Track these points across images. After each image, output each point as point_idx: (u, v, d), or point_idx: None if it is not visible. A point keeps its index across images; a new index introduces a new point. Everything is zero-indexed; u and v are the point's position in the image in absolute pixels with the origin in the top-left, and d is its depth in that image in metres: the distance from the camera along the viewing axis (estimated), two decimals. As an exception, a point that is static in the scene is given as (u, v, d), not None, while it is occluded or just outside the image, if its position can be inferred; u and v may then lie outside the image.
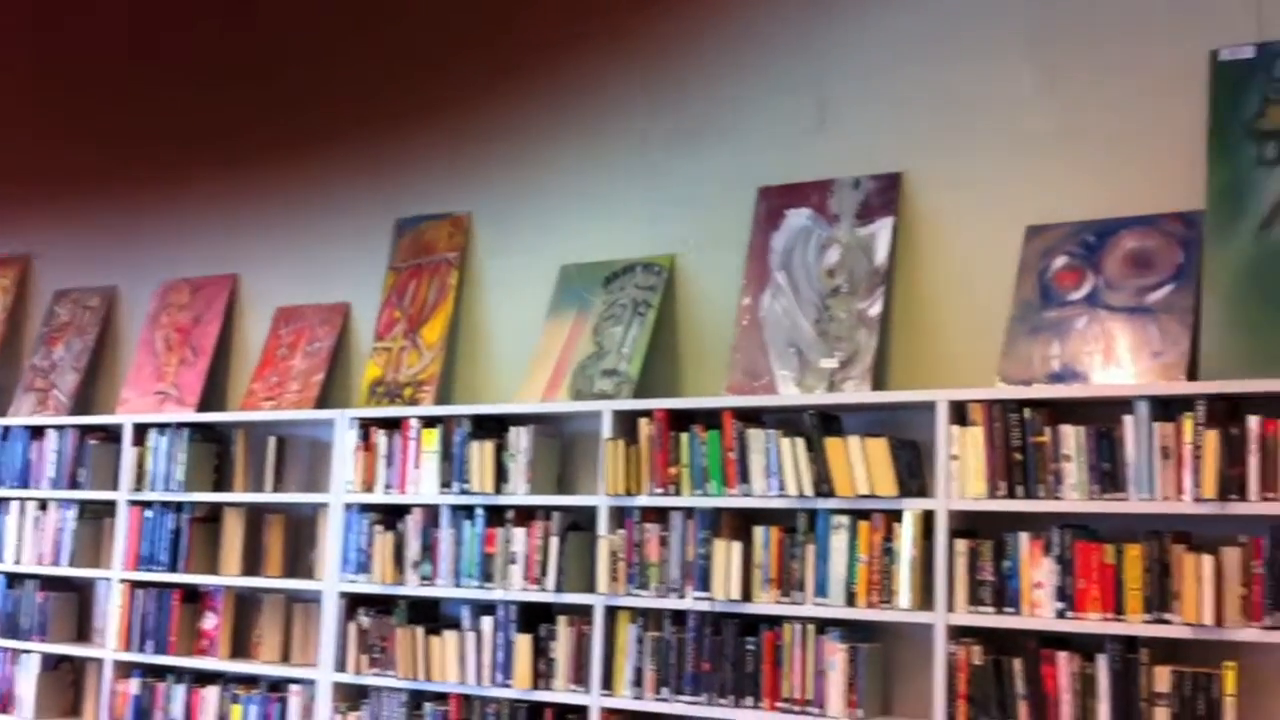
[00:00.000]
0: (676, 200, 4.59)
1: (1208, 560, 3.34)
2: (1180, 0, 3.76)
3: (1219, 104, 3.65)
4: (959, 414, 3.73)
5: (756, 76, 4.46)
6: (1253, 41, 3.64)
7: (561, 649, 4.29)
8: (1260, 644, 3.32)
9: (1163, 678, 3.37)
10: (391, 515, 4.71)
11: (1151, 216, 3.73)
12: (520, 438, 4.48)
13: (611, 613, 4.22)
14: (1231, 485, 3.34)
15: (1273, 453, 3.30)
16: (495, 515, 4.50)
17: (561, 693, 4.27)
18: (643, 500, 4.22)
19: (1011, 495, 3.63)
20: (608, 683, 4.19)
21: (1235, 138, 3.60)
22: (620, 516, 4.26)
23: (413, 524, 4.64)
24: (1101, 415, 3.56)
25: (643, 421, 4.25)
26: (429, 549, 4.60)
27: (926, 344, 4.03)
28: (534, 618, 4.39)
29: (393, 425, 4.75)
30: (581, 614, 4.29)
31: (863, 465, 3.85)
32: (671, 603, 4.12)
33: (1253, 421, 3.33)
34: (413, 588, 4.60)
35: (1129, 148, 3.80)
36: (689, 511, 4.14)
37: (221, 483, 5.22)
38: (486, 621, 4.44)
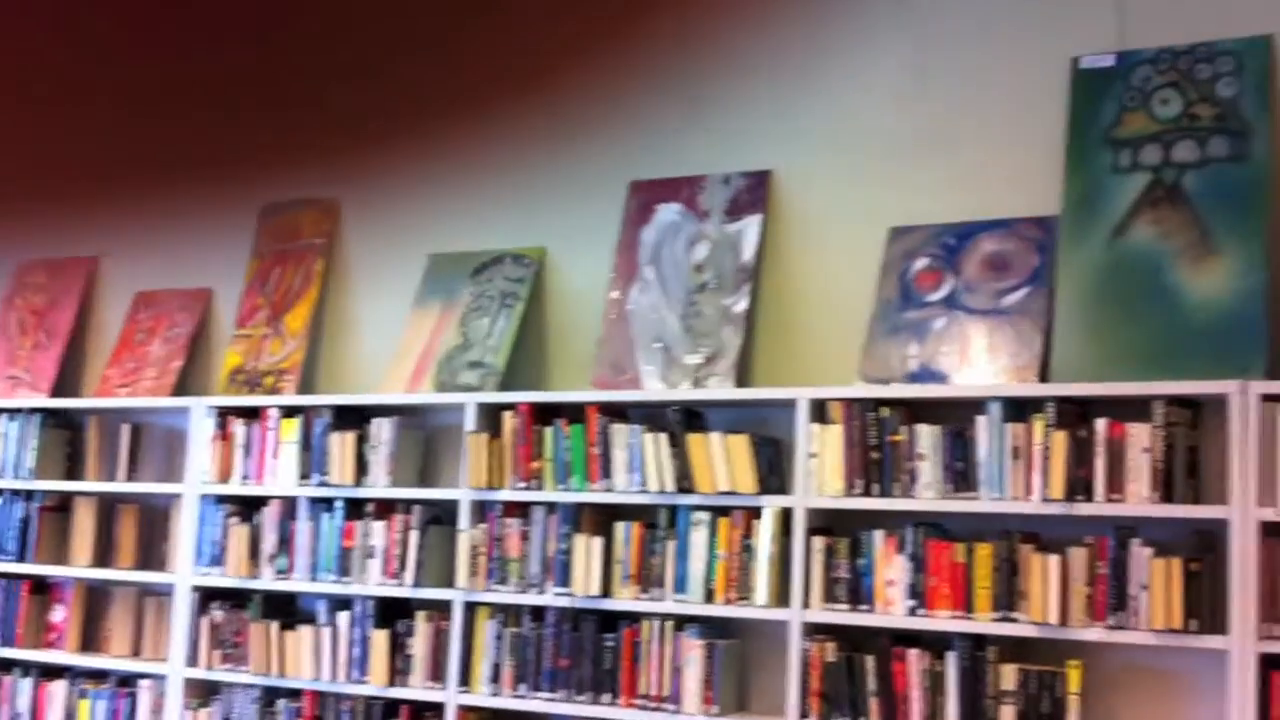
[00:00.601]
0: (547, 193, 4.54)
1: (1054, 560, 3.38)
2: (1043, 9, 3.81)
3: (1078, 111, 3.70)
4: (819, 412, 3.74)
5: (630, 71, 4.43)
6: (1112, 50, 3.69)
7: (419, 645, 4.22)
8: (1103, 644, 3.38)
9: (1009, 676, 3.41)
10: (248, 507, 4.60)
11: (1009, 221, 3.78)
12: (382, 429, 4.40)
13: (471, 608, 4.17)
14: (1079, 486, 3.39)
15: (1119, 455, 3.36)
16: (355, 508, 4.42)
17: (418, 689, 4.20)
18: (505, 494, 4.17)
19: (868, 493, 3.65)
20: (465, 679, 4.13)
21: (1092, 145, 3.66)
22: (482, 511, 4.21)
23: (269, 516, 4.54)
24: (956, 415, 3.60)
25: (507, 415, 4.20)
26: (286, 542, 4.50)
27: (790, 342, 4.04)
28: (392, 613, 4.31)
29: (252, 415, 4.64)
30: (440, 609, 4.22)
31: (724, 462, 3.84)
32: (531, 598, 4.08)
33: (1100, 424, 3.38)
34: (268, 581, 4.49)
35: (990, 152, 3.84)
36: (551, 506, 4.10)
37: (73, 471, 5.05)
38: (343, 616, 4.36)
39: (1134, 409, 3.36)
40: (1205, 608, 3.21)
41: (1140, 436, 3.33)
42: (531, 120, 4.60)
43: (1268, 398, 3.19)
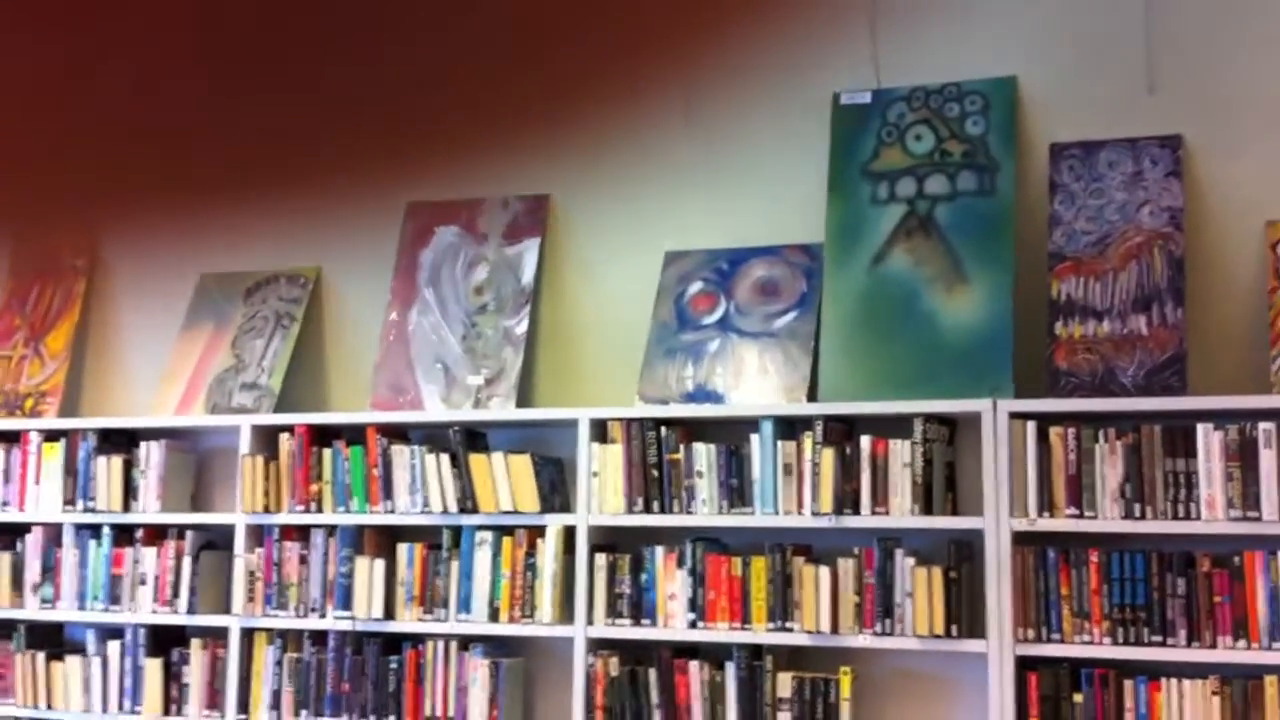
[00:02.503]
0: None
1: (825, 571, 3.43)
2: (807, 45, 3.87)
3: (839, 144, 3.77)
4: (600, 431, 3.70)
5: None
6: (870, 88, 3.78)
7: (195, 673, 3.98)
8: (872, 650, 3.44)
9: (785, 684, 3.43)
10: (10, 534, 4.26)
11: (778, 247, 3.82)
12: (151, 453, 4.14)
13: (248, 634, 3.95)
14: (846, 500, 3.45)
15: (882, 470, 3.43)
16: (123, 534, 4.14)
17: (195, 719, 3.96)
18: (282, 518, 3.97)
19: (648, 510, 3.63)
20: (244, 706, 3.92)
21: (852, 177, 3.73)
22: (259, 535, 4.00)
23: (33, 543, 4.22)
24: (731, 434, 3.61)
25: (284, 437, 4.01)
26: (50, 570, 4.19)
27: (571, 362, 3.99)
28: (165, 641, 4.06)
29: (11, 438, 4.30)
30: (216, 636, 3.99)
31: (506, 482, 3.75)
32: (312, 623, 3.90)
33: (865, 441, 3.45)
34: (33, 611, 4.17)
35: (760, 181, 3.87)
36: (331, 529, 3.93)
37: None
38: (113, 646, 4.08)
39: (895, 426, 3.43)
40: (965, 613, 3.31)
41: (902, 452, 3.41)
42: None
43: (1016, 415, 3.31)
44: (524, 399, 3.93)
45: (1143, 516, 3.19)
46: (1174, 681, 3.12)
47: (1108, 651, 3.17)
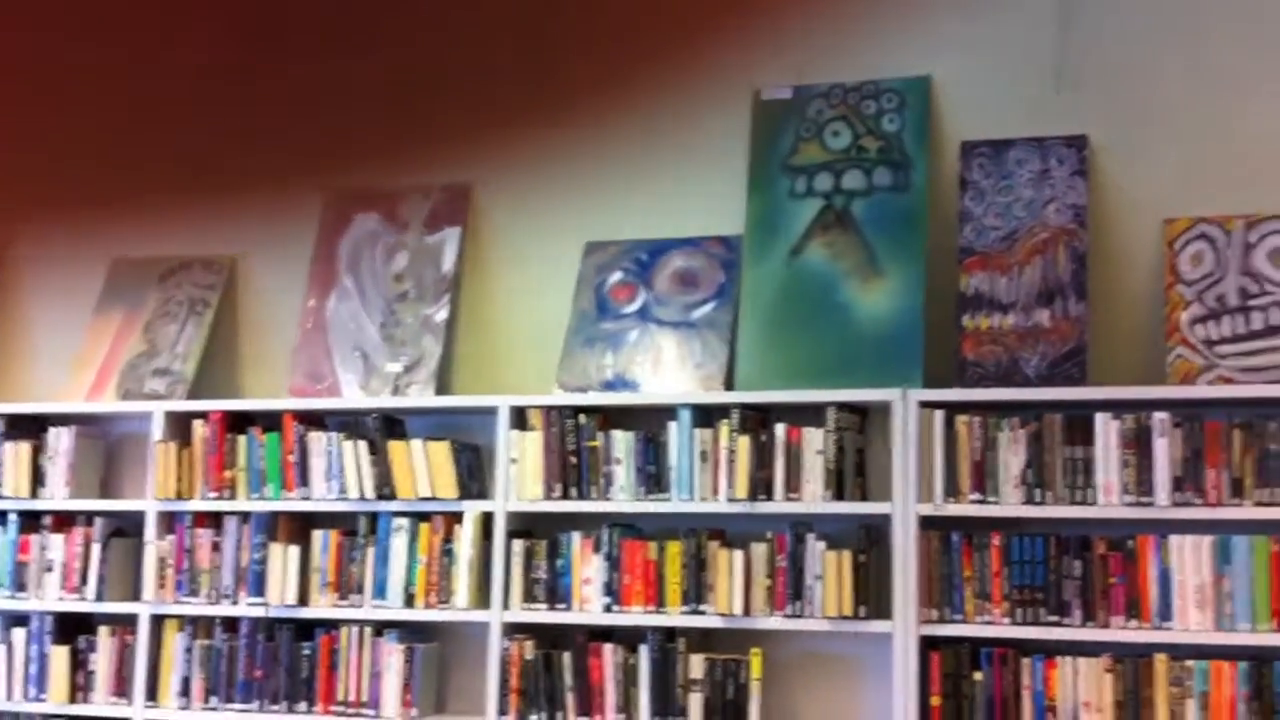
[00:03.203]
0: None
1: (739, 555, 3.62)
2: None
3: (759, 139, 3.98)
4: (519, 419, 3.86)
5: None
6: (790, 84, 3.99)
7: (102, 660, 4.08)
8: (782, 631, 3.64)
9: (697, 665, 3.62)
10: (-91, 522, 4.32)
11: (697, 239, 4.01)
12: (60, 439, 4.23)
13: (158, 621, 4.06)
14: (760, 486, 3.65)
15: (796, 457, 3.63)
16: (30, 521, 4.22)
17: (102, 706, 4.06)
18: (195, 504, 4.08)
19: (566, 496, 3.80)
20: (152, 694, 4.02)
21: (772, 171, 3.94)
22: (170, 522, 4.11)
23: (-66, 531, 4.28)
24: (649, 422, 3.79)
25: (197, 423, 4.12)
26: (-48, 558, 4.25)
27: (491, 351, 4.15)
28: (72, 629, 4.14)
29: (-87, 424, 4.36)
30: (125, 623, 4.09)
31: (425, 468, 3.90)
32: (224, 609, 4.01)
33: (779, 429, 3.65)
34: (-68, 600, 4.24)
35: (680, 173, 4.07)
36: (245, 516, 4.05)
37: None
38: (19, 633, 4.16)
39: (809, 415, 3.64)
40: (872, 595, 3.52)
41: (815, 440, 3.61)
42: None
43: (925, 404, 3.53)
44: (443, 386, 4.09)
45: (1043, 502, 3.42)
46: (1069, 659, 3.36)
47: (1007, 631, 3.40)
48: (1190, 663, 3.29)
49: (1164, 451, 3.35)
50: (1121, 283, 3.63)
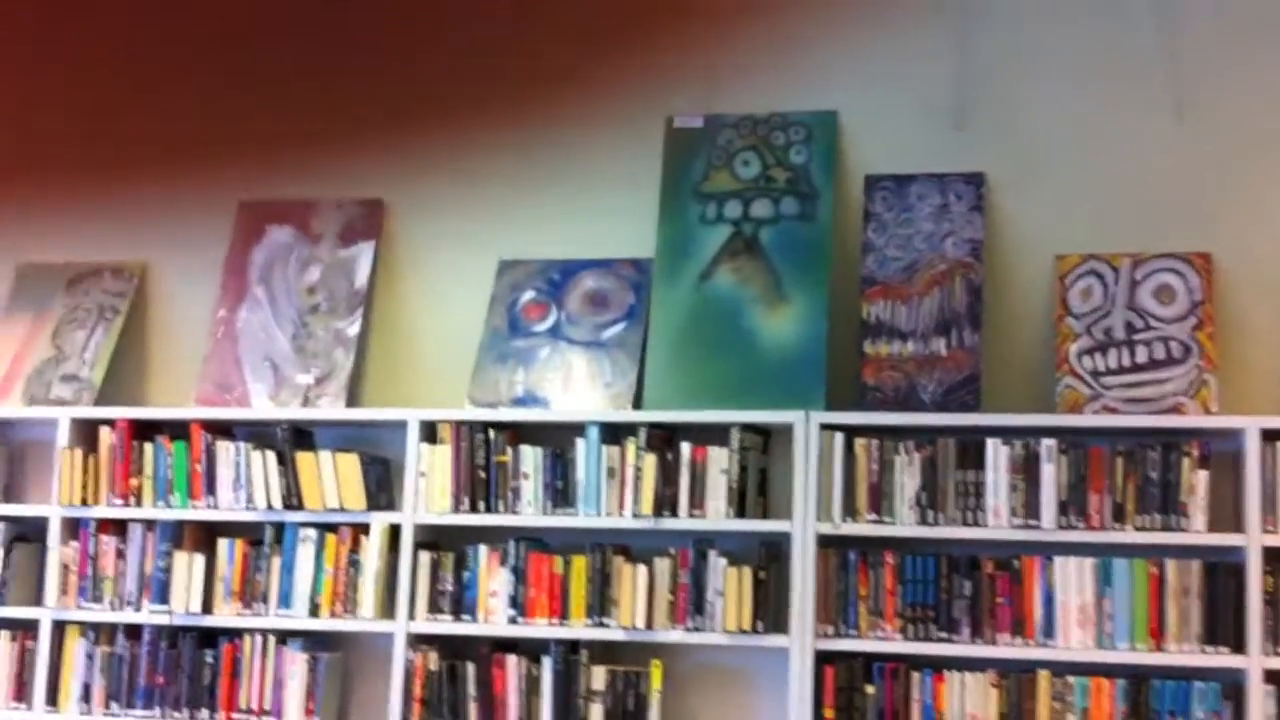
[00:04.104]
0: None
1: (642, 570, 3.79)
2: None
3: (671, 165, 4.16)
4: (430, 432, 4.00)
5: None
6: (702, 113, 4.18)
7: (2, 665, 4.13)
8: (682, 644, 3.81)
9: (599, 676, 3.77)
10: None
11: (609, 260, 4.18)
12: (-37, 443, 4.27)
13: (60, 627, 4.12)
14: (665, 503, 3.82)
15: (700, 476, 3.80)
16: (-71, 525, 4.26)
17: (1, 711, 4.10)
18: (100, 511, 4.15)
19: (474, 510, 3.93)
20: (53, 699, 4.08)
21: (683, 196, 4.12)
22: (74, 528, 4.17)
23: None
24: (558, 438, 3.94)
25: (104, 430, 4.19)
26: None
27: (402, 365, 4.28)
28: (-31, 634, 4.19)
29: None
30: (27, 628, 4.14)
31: (333, 479, 4.01)
32: (127, 616, 4.08)
33: (685, 448, 3.82)
34: None
35: (594, 196, 4.23)
36: (150, 523, 4.13)
37: None
38: (-87, 639, 4.19)
39: (714, 435, 3.82)
40: (771, 611, 3.70)
41: (719, 459, 3.79)
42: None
43: (826, 426, 3.73)
44: (354, 399, 4.20)
45: (935, 523, 3.63)
46: (957, 674, 3.57)
47: (899, 647, 3.60)
48: (1072, 679, 3.51)
49: (1050, 477, 3.57)
50: (1015, 314, 3.86)
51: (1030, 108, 3.95)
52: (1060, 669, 3.53)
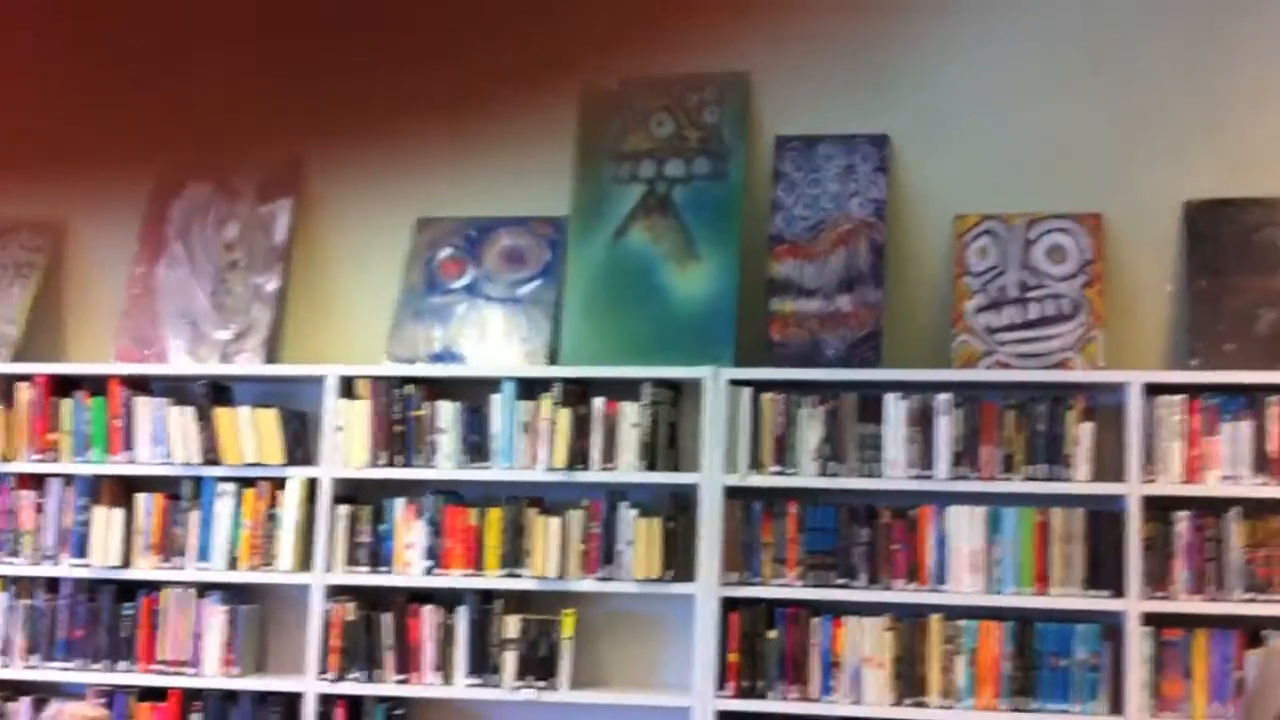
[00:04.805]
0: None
1: (555, 522, 3.95)
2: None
3: (587, 125, 4.29)
4: (348, 388, 4.13)
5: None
6: (619, 74, 4.31)
7: (-80, 619, 4.23)
8: (594, 593, 3.99)
9: (512, 625, 3.94)
10: None
11: (525, 219, 4.32)
12: (-121, 398, 4.35)
13: (-21, 581, 4.23)
14: (579, 457, 3.98)
15: (613, 429, 3.97)
16: None
17: (-83, 665, 4.21)
18: (18, 466, 4.25)
19: (392, 464, 4.08)
20: (-29, 652, 4.20)
21: (598, 156, 4.26)
22: (-8, 482, 4.27)
23: None
24: (474, 393, 4.09)
25: (22, 386, 4.29)
26: None
27: (321, 321, 4.40)
28: (-113, 588, 4.28)
29: None
30: (-56, 583, 4.25)
31: (252, 434, 4.14)
32: (46, 570, 4.20)
33: (598, 402, 3.98)
34: None
35: (511, 154, 4.36)
36: (69, 478, 4.23)
37: None
38: None
39: (627, 390, 3.98)
40: (679, 560, 3.88)
41: (631, 414, 3.96)
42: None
43: (734, 382, 3.90)
44: (273, 355, 4.32)
45: (836, 474, 3.83)
46: (855, 619, 3.77)
47: (800, 593, 3.80)
48: (962, 623, 3.73)
49: (945, 430, 3.77)
50: (916, 273, 4.05)
51: (936, 72, 4.12)
52: (952, 613, 3.75)
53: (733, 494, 3.88)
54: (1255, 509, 3.63)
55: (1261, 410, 3.64)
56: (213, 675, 4.08)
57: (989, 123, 4.08)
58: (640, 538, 3.90)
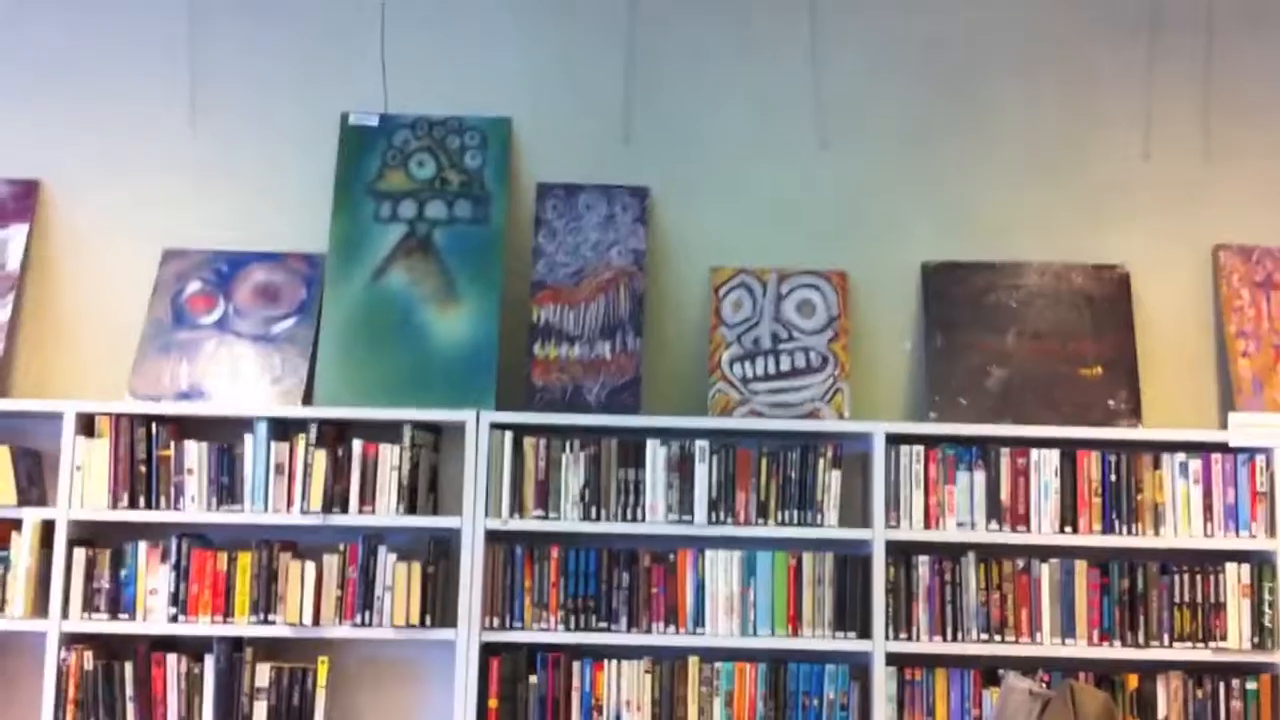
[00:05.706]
0: None
1: (310, 566, 3.92)
2: (319, 63, 4.36)
3: (346, 161, 4.29)
4: (87, 425, 3.99)
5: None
6: (378, 111, 4.33)
7: None
8: (350, 639, 3.97)
9: (264, 673, 3.88)
10: None
11: (280, 254, 4.27)
12: None
13: None
14: (335, 499, 3.96)
15: (372, 471, 3.97)
16: None
17: None
18: None
19: (134, 506, 3.96)
20: None
21: (358, 193, 4.26)
22: None
23: None
24: (225, 433, 4.02)
25: None
26: None
27: (57, 354, 4.23)
28: None
29: None
30: None
31: (-20, 473, 3.95)
32: None
33: (356, 444, 3.98)
34: None
35: (266, 188, 4.31)
36: None
37: None
38: None
39: (386, 431, 3.99)
40: (439, 605, 3.91)
41: (390, 456, 3.97)
42: None
43: (496, 425, 3.97)
44: (3, 388, 4.13)
45: (598, 518, 3.94)
46: (615, 662, 3.89)
47: (561, 637, 3.89)
48: (719, 664, 3.90)
49: (703, 476, 3.94)
50: (674, 322, 4.22)
51: (693, 127, 4.32)
52: (709, 655, 3.91)
53: (494, 538, 3.94)
54: (990, 553, 3.94)
55: (994, 461, 3.96)
56: (-70, 732, 3.86)
57: (738, 179, 4.30)
58: (399, 582, 3.91)
